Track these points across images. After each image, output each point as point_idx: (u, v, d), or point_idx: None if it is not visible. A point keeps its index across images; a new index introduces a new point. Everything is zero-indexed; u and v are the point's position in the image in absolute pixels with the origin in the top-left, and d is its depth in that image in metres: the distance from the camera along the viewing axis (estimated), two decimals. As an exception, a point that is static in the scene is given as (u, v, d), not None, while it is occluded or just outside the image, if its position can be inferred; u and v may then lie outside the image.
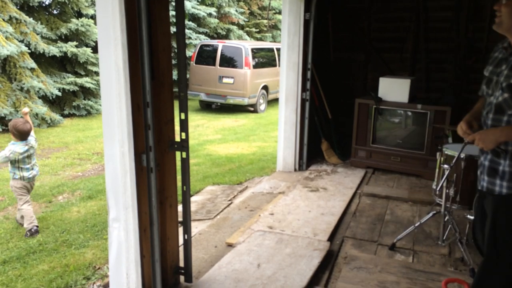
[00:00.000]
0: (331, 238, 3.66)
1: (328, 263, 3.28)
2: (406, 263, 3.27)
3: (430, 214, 3.52)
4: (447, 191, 3.35)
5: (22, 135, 4.28)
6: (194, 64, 12.47)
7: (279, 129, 5.64)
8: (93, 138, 8.62)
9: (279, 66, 12.97)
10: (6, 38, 9.08)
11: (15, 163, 4.27)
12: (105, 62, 2.49)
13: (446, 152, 3.54)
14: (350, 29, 6.47)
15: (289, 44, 5.35)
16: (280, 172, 5.61)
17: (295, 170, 5.61)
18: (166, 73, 2.77)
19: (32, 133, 4.46)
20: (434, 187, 3.65)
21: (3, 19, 9.33)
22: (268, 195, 4.81)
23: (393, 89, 5.36)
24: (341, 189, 4.86)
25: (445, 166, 3.24)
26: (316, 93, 5.98)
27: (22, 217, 4.30)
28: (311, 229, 3.79)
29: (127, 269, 2.61)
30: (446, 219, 3.39)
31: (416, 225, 3.55)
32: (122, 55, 2.41)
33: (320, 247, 3.40)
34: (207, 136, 9.21)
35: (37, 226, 4.22)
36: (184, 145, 2.77)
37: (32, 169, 4.41)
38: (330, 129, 6.19)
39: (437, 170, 3.64)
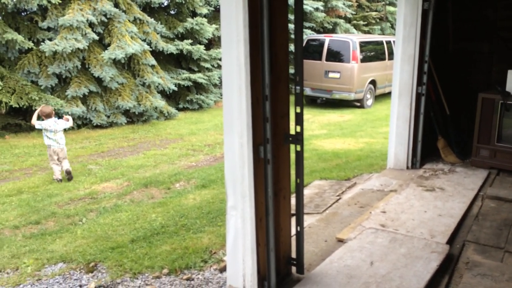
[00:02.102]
0: (450, 241, 3.43)
1: (447, 267, 3.09)
2: (539, 275, 2.95)
3: None
4: None
5: (47, 115, 5.98)
6: (300, 59, 12.50)
7: (390, 125, 5.42)
8: (205, 131, 9.12)
9: (388, 59, 12.66)
10: (131, 37, 9.97)
11: (45, 132, 5.96)
12: (227, 57, 2.62)
13: None
14: (473, 18, 5.96)
15: (404, 36, 5.10)
16: (391, 170, 5.39)
17: (407, 168, 5.34)
18: (283, 68, 2.82)
19: (66, 122, 6.17)
20: None
21: (129, 20, 10.26)
22: (379, 193, 4.66)
23: (525, 83, 4.84)
24: (460, 190, 4.52)
25: None
26: (433, 87, 5.62)
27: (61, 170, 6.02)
28: (428, 230, 3.59)
29: (243, 256, 2.72)
30: None
31: (553, 234, 3.17)
32: (244, 51, 2.51)
33: (438, 250, 3.21)
34: (313, 131, 9.20)
35: (61, 177, 5.93)
36: (299, 138, 2.80)
37: (57, 142, 5.99)
38: (448, 126, 5.78)
39: None
